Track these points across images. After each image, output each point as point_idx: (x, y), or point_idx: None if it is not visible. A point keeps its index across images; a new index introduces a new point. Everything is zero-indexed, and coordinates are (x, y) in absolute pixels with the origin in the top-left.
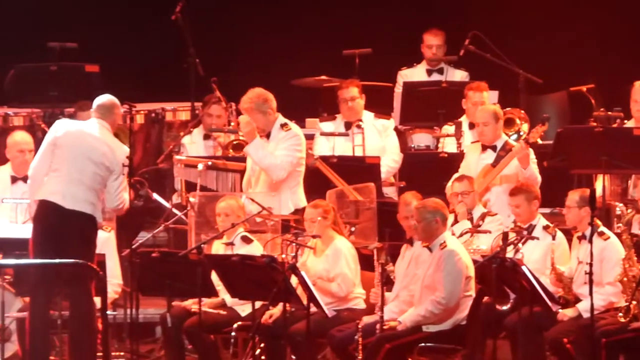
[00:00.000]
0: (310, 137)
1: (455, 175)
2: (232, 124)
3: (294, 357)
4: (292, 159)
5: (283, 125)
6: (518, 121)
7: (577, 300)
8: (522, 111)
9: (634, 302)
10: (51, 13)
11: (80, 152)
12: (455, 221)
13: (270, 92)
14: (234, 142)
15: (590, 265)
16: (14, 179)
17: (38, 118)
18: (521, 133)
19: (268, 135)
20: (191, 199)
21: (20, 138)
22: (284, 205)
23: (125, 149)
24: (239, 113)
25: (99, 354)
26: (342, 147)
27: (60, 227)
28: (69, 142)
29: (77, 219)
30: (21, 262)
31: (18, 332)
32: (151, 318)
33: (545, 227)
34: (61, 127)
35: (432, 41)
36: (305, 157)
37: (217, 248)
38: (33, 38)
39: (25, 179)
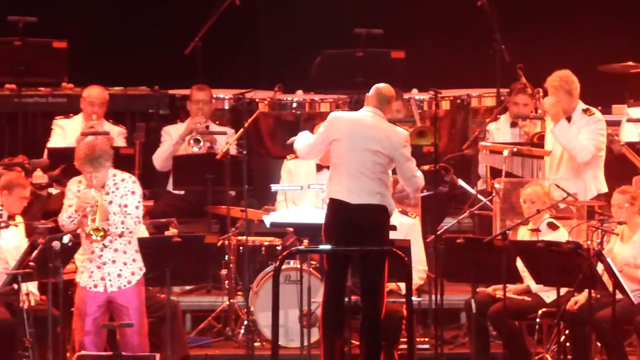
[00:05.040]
0: (616, 124)
1: None
2: (539, 111)
3: (599, 344)
4: (597, 143)
5: (586, 110)
6: None
7: None
8: None
9: None
10: None
11: (357, 145)
12: None
13: (577, 77)
14: (541, 134)
15: None
16: (319, 167)
17: (344, 104)
18: None
19: (569, 119)
20: (496, 185)
21: None
22: (588, 191)
23: (404, 132)
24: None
25: (403, 339)
26: None
27: (351, 224)
28: (345, 137)
29: (366, 212)
30: (325, 248)
31: None
32: (456, 304)
33: None
34: (335, 121)
35: None
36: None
37: (523, 234)
38: (340, 24)
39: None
